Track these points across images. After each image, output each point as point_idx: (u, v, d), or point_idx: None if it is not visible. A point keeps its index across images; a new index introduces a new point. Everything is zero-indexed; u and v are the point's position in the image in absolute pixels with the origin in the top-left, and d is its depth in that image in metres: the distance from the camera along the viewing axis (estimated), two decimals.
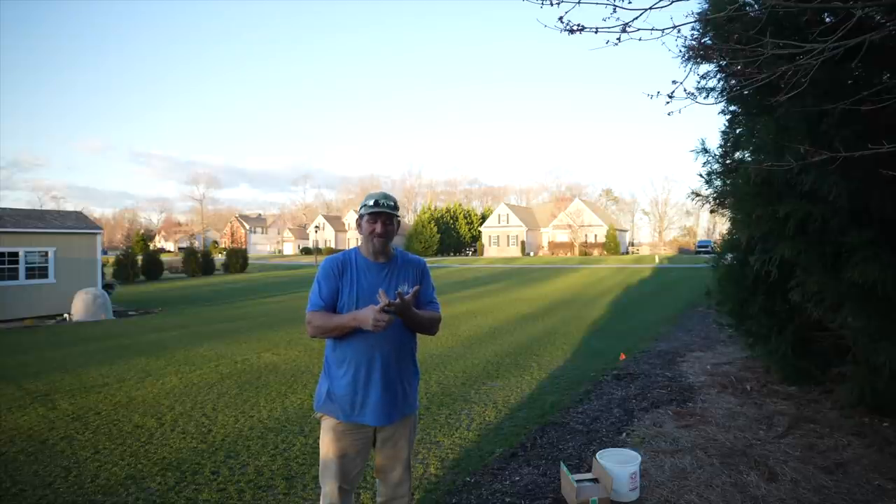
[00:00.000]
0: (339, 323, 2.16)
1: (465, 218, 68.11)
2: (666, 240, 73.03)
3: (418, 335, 2.38)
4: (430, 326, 2.31)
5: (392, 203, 2.25)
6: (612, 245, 53.12)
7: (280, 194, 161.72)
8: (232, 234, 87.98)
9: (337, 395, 2.22)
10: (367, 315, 2.05)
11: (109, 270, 29.47)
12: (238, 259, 38.70)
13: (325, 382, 2.28)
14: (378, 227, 2.22)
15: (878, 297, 3.68)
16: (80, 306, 15.26)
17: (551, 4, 2.33)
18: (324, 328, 2.18)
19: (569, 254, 53.88)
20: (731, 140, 5.55)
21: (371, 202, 2.23)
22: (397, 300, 2.05)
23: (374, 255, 2.28)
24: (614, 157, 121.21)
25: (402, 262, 2.33)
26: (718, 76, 4.73)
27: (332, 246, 69.31)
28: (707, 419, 4.56)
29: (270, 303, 17.98)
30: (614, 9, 2.35)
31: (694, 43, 3.77)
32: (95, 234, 17.19)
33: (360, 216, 2.28)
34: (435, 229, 61.47)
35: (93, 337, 11.30)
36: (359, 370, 2.19)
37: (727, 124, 5.62)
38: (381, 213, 2.23)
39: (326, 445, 2.24)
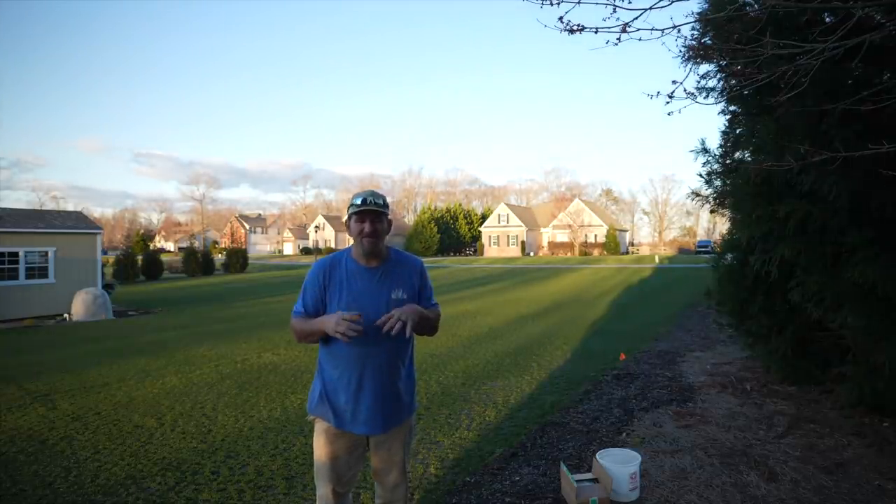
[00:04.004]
0: (309, 329, 2.11)
1: (465, 218, 68.09)
2: (666, 240, 73.06)
3: (415, 337, 2.34)
4: (435, 323, 2.28)
5: (381, 201, 2.13)
6: (612, 245, 53.12)
7: (280, 194, 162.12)
8: (232, 234, 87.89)
9: (330, 401, 2.18)
10: (330, 320, 1.99)
11: (109, 270, 29.46)
12: (238, 259, 38.68)
13: (319, 385, 2.22)
14: (367, 227, 2.10)
15: (878, 297, 3.68)
16: (80, 306, 15.26)
17: (551, 4, 2.33)
18: (300, 334, 2.15)
19: (569, 254, 53.86)
20: (731, 140, 5.55)
21: (358, 201, 2.11)
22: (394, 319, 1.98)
23: (365, 258, 2.17)
24: (614, 157, 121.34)
25: (396, 264, 2.23)
26: (718, 76, 4.73)
27: (332, 246, 69.24)
28: (707, 419, 4.56)
29: (270, 303, 17.98)
30: (614, 9, 2.35)
31: (694, 43, 3.77)
32: (95, 234, 17.18)
33: (349, 217, 2.16)
34: (435, 229, 61.46)
35: (93, 337, 11.30)
36: (350, 379, 2.14)
37: (727, 124, 5.62)
38: (369, 212, 2.11)
39: (319, 448, 2.20)
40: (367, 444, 2.25)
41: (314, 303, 2.18)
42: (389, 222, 2.21)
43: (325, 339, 2.15)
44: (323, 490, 2.21)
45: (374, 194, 2.15)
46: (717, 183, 5.68)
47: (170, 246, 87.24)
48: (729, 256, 5.80)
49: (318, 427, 2.23)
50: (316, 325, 2.09)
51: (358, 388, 2.14)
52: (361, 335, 1.98)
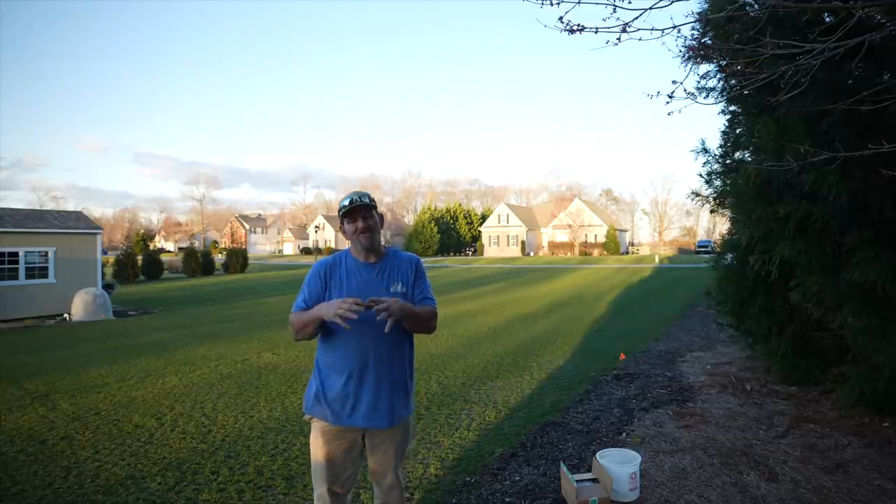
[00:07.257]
0: (308, 317, 2.12)
1: (465, 218, 68.10)
2: (666, 240, 72.98)
3: (415, 338, 2.35)
4: (429, 320, 2.24)
5: (366, 198, 2.21)
6: (612, 245, 53.12)
7: (280, 194, 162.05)
8: (232, 234, 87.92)
9: (328, 398, 2.19)
10: (330, 305, 2.02)
11: (109, 270, 29.45)
12: (238, 259, 38.64)
13: (315, 385, 2.24)
14: (360, 224, 2.18)
15: (878, 297, 3.68)
16: (80, 306, 15.25)
17: (551, 4, 2.33)
18: (298, 325, 2.15)
19: (569, 254, 53.86)
20: (731, 140, 5.54)
21: (346, 202, 2.18)
22: (383, 302, 2.01)
23: (364, 255, 2.24)
24: (614, 157, 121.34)
25: (394, 260, 2.29)
26: (718, 76, 4.73)
27: (332, 246, 69.33)
28: (707, 419, 4.56)
29: (270, 303, 17.97)
30: (614, 9, 2.34)
31: (694, 43, 3.76)
32: (95, 234, 17.18)
33: (341, 220, 2.22)
34: (435, 229, 61.48)
35: (93, 337, 11.30)
36: (351, 373, 2.16)
37: (727, 124, 5.61)
38: (358, 209, 2.18)
39: (316, 448, 2.22)
40: (364, 445, 2.26)
41: (314, 296, 2.21)
42: (381, 216, 2.28)
43: (325, 333, 2.20)
44: (320, 490, 2.23)
45: (358, 194, 2.22)
46: (717, 183, 5.67)
47: (170, 246, 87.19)
48: (729, 256, 5.80)
49: (314, 427, 2.25)
50: (314, 312, 2.10)
51: (358, 383, 2.16)
52: (356, 318, 2.00)
